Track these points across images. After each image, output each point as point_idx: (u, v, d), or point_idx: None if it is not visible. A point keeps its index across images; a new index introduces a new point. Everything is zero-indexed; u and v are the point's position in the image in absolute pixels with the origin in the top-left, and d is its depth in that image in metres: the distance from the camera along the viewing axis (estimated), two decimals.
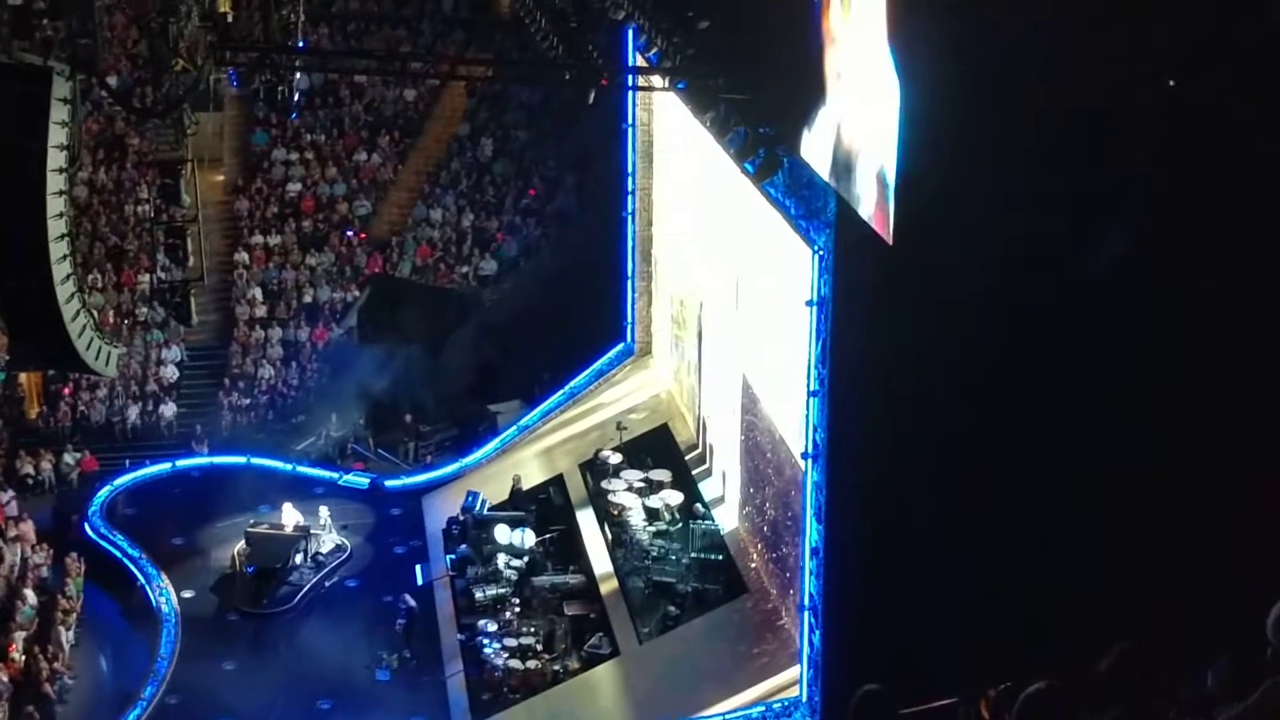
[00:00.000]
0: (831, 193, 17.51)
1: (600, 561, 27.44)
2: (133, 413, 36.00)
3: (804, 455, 20.28)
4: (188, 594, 28.69)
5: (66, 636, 27.23)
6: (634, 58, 27.91)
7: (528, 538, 28.50)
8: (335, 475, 33.21)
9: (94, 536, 30.41)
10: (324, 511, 30.29)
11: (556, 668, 25.51)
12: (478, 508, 29.87)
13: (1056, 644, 13.97)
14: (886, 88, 14.32)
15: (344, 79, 42.12)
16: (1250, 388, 13.90)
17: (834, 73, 15.90)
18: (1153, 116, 13.11)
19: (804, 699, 20.83)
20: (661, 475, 28.80)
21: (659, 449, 30.16)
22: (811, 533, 20.02)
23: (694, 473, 28.95)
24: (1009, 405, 16.26)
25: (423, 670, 26.52)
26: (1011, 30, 13.76)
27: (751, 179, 20.10)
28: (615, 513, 28.05)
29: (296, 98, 25.61)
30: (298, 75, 25.26)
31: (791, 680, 22.13)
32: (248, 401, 36.75)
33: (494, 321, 37.12)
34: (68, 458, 34.14)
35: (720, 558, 26.30)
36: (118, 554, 29.75)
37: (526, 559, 28.12)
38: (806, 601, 20.41)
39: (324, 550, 29.69)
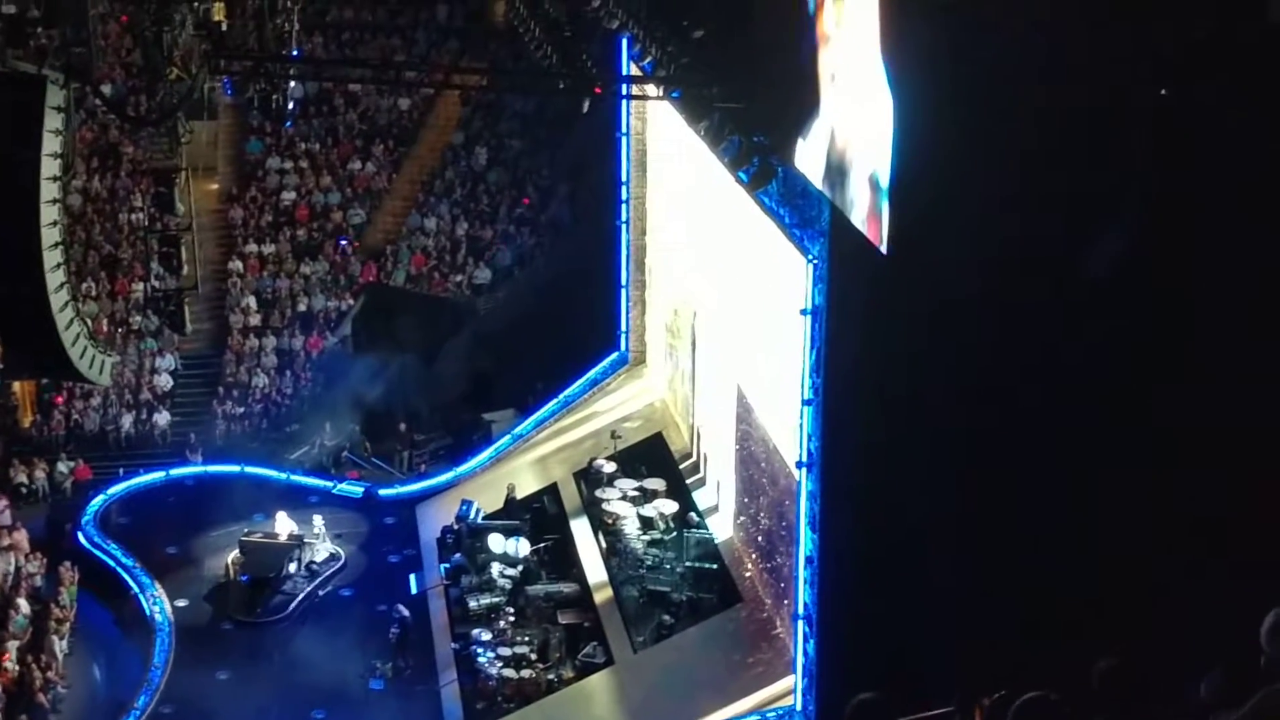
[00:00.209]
0: (826, 202, 17.53)
1: (594, 570, 27.42)
2: (126, 421, 35.95)
3: (798, 464, 20.29)
4: (181, 603, 28.64)
5: (60, 645, 27.18)
6: (628, 67, 27.92)
7: (522, 546, 28.48)
8: (329, 484, 33.17)
9: (88, 545, 30.36)
10: (318, 520, 30.26)
11: (551, 677, 25.49)
12: (472, 516, 29.85)
13: (1052, 652, 13.96)
14: (879, 93, 14.34)
15: (338, 88, 42.09)
16: (1245, 391, 13.91)
17: (828, 75, 15.92)
18: (1146, 121, 13.12)
19: (799, 708, 20.83)
20: (656, 484, 28.80)
21: (653, 458, 30.16)
22: (806, 541, 20.03)
23: (688, 482, 28.95)
24: (1003, 413, 16.27)
25: (417, 679, 26.48)
26: (1003, 37, 13.78)
27: (745, 188, 20.13)
28: (609, 521, 28.05)
29: (291, 106, 25.61)
30: (292, 84, 25.25)
31: (786, 690, 22.14)
32: (242, 410, 36.70)
33: (488, 330, 37.10)
34: (61, 466, 34.08)
35: (714, 567, 26.30)
36: (111, 563, 29.70)
37: (521, 568, 28.10)
38: (801, 610, 20.41)
39: (318, 559, 29.65)
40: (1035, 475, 16.15)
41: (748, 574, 25.83)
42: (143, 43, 22.49)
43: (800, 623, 20.44)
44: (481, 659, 25.74)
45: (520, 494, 30.56)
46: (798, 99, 16.94)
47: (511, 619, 26.76)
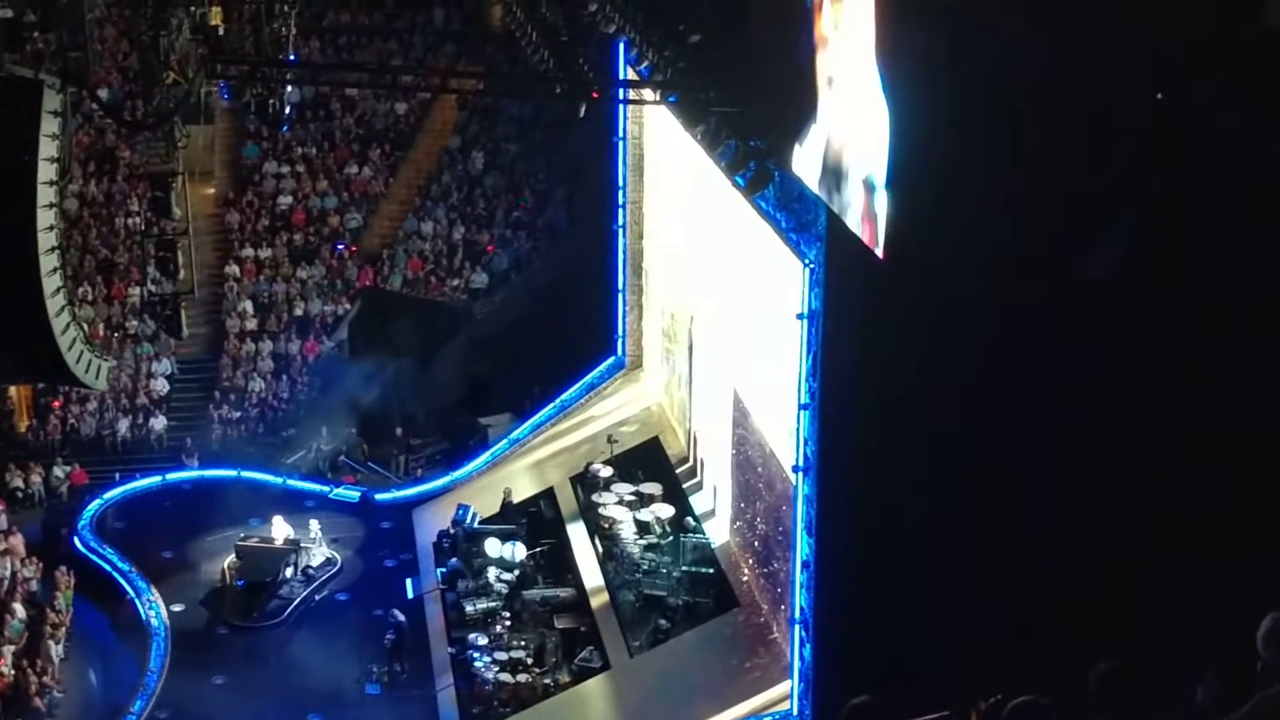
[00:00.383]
0: (822, 206, 17.54)
1: (591, 575, 27.42)
2: (123, 426, 35.93)
3: (795, 468, 20.30)
4: (177, 607, 28.64)
5: (56, 650, 27.17)
6: (625, 71, 27.95)
7: (518, 551, 28.48)
8: (325, 488, 33.18)
9: (84, 550, 30.36)
10: (314, 525, 30.27)
11: (547, 681, 25.49)
12: (468, 521, 29.85)
13: (1049, 656, 13.97)
14: (875, 97, 14.35)
15: (335, 92, 42.08)
16: (1244, 394, 13.90)
17: (825, 79, 15.92)
18: (1143, 124, 13.12)
19: (795, 713, 20.83)
20: (652, 489, 28.81)
21: (650, 462, 30.16)
22: (802, 546, 20.03)
23: (685, 486, 28.95)
24: (1000, 416, 16.26)
25: (413, 684, 26.50)
26: (999, 40, 13.78)
27: (742, 192, 20.12)
28: (606, 526, 28.05)
29: (287, 111, 25.55)
30: (289, 88, 25.21)
31: (783, 695, 22.14)
32: (238, 414, 36.69)
33: (485, 334, 37.09)
34: (57, 471, 34.06)
35: (711, 571, 26.30)
36: (107, 567, 29.70)
37: (517, 572, 28.11)
38: (797, 615, 20.41)
39: (314, 564, 29.65)
40: (1032, 478, 16.15)
41: (744, 579, 25.82)
42: (139, 47, 22.50)
43: (797, 627, 20.44)
44: (478, 663, 25.73)
45: (517, 498, 30.56)
46: (794, 103, 16.94)
47: (508, 623, 26.77)
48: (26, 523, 31.48)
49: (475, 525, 29.80)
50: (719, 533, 27.20)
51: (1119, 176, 14.02)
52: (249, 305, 38.80)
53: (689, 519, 27.65)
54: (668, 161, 30.27)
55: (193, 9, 22.04)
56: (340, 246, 40.14)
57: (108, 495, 32.51)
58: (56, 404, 35.96)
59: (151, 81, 21.82)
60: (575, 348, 33.88)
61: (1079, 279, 14.58)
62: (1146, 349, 14.76)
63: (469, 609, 27.21)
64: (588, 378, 33.36)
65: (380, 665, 26.61)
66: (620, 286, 32.96)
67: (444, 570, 28.91)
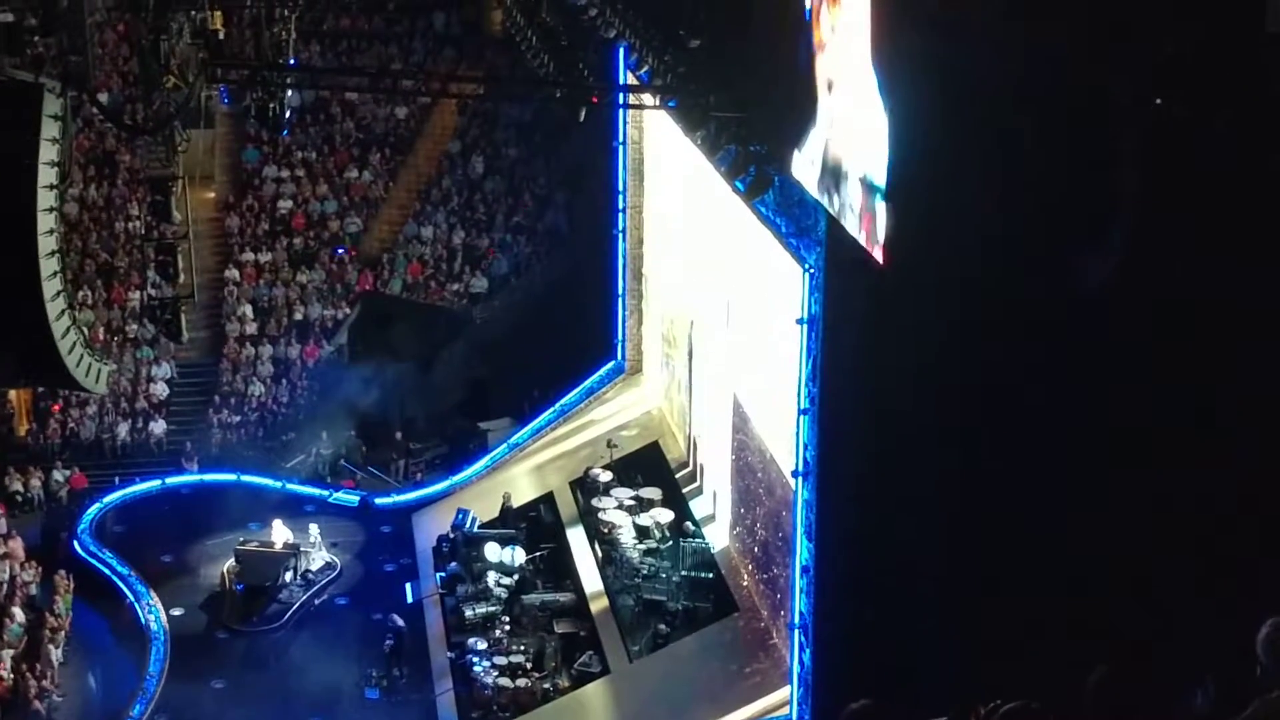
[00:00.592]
0: (822, 211, 17.54)
1: (590, 579, 27.42)
2: (122, 430, 35.91)
3: (794, 473, 20.28)
4: (177, 612, 28.65)
5: (55, 654, 27.15)
6: (625, 76, 27.96)
7: (518, 555, 28.49)
8: (325, 493, 33.18)
9: (83, 554, 30.36)
10: (314, 529, 30.29)
11: (546, 686, 25.49)
12: (468, 525, 29.86)
13: (1048, 661, 13.96)
14: (874, 101, 14.36)
15: (335, 96, 42.09)
16: (1244, 400, 13.90)
17: (824, 82, 15.92)
18: (1142, 129, 13.12)
19: (794, 717, 20.80)
20: (652, 493, 28.81)
21: (649, 467, 30.16)
22: (802, 551, 20.02)
23: (684, 491, 28.95)
24: (999, 422, 16.26)
25: (412, 689, 26.51)
26: (996, 44, 13.78)
27: (742, 197, 20.13)
28: (605, 530, 28.05)
29: (288, 115, 25.59)
30: (289, 92, 25.26)
31: (783, 700, 22.11)
32: (238, 419, 36.66)
33: (484, 339, 37.09)
34: (57, 475, 34.03)
35: (710, 576, 26.29)
36: (107, 571, 29.70)
37: (516, 577, 28.11)
38: (797, 620, 20.39)
39: (314, 568, 29.67)
40: (1032, 483, 16.14)
41: (744, 585, 25.82)
42: (140, 51, 22.50)
43: (796, 632, 20.42)
44: (477, 668, 25.73)
45: (516, 503, 30.57)
46: (794, 108, 16.95)
47: (507, 628, 26.77)
48: (26, 526, 31.46)
49: (475, 530, 29.81)
50: (719, 538, 27.19)
51: (1117, 181, 14.01)
52: (249, 309, 38.79)
53: (688, 524, 27.66)
54: (668, 166, 30.28)
55: (193, 13, 22.06)
56: (341, 251, 40.14)
57: (107, 499, 32.52)
58: (56, 408, 35.94)
59: (152, 86, 21.82)
60: (575, 352, 33.89)
61: (1077, 283, 14.57)
62: (1147, 353, 14.75)
63: (468, 613, 27.21)
64: (587, 382, 33.38)
65: (379, 670, 26.61)
66: (620, 291, 32.97)
67: (443, 575, 28.91)
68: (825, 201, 16.72)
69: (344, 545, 30.93)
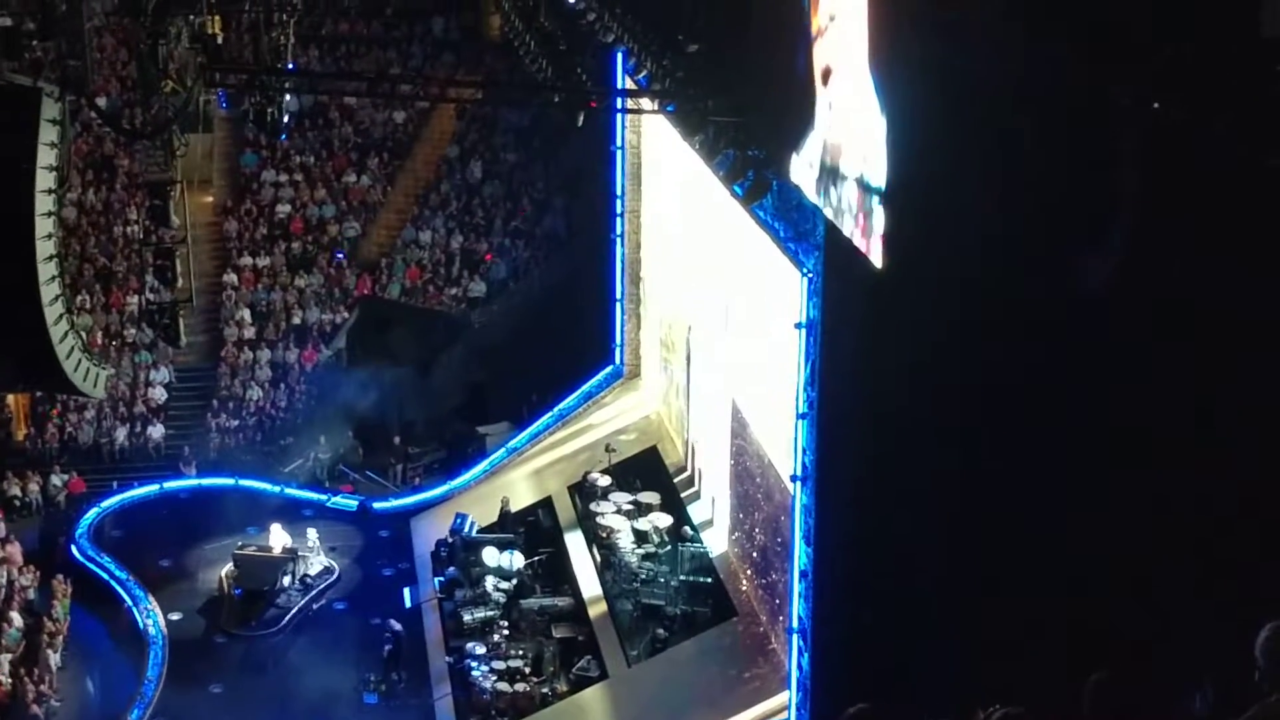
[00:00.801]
0: (820, 215, 17.54)
1: (589, 584, 27.41)
2: (120, 434, 35.90)
3: (793, 478, 20.29)
4: (175, 616, 28.63)
5: (53, 659, 27.14)
6: (623, 80, 27.97)
7: (516, 560, 28.48)
8: (323, 497, 33.17)
9: (81, 558, 30.35)
10: (312, 533, 30.27)
11: (545, 690, 25.49)
12: (466, 530, 29.85)
13: (1046, 666, 13.96)
14: (871, 103, 14.37)
15: (333, 101, 42.10)
16: (1243, 407, 13.89)
17: (821, 70, 15.89)
18: (1139, 132, 13.12)
19: None
20: (650, 498, 28.81)
21: (648, 471, 30.16)
22: (800, 555, 20.02)
23: (683, 495, 28.95)
24: (998, 426, 16.25)
25: (410, 693, 26.50)
26: (995, 47, 13.78)
27: (740, 201, 20.14)
28: (604, 535, 28.04)
29: (286, 119, 25.61)
30: (287, 97, 25.28)
31: (782, 705, 22.09)
32: (236, 423, 36.65)
33: (483, 343, 37.09)
34: (55, 479, 34.01)
35: (709, 580, 26.29)
36: (105, 576, 29.70)
37: (515, 581, 28.10)
38: (795, 624, 20.39)
39: (312, 572, 29.65)
40: (1031, 488, 16.13)
41: (743, 590, 25.81)
42: (138, 56, 22.53)
43: (794, 636, 20.42)
44: (475, 673, 25.72)
45: (515, 507, 30.57)
46: (792, 112, 16.96)
47: (506, 633, 26.76)
48: (24, 531, 31.45)
49: (473, 534, 29.81)
50: (717, 542, 27.19)
51: (1115, 183, 14.01)
52: (247, 314, 38.78)
53: (687, 528, 27.65)
54: (666, 171, 30.29)
55: (191, 18, 22.06)
56: (341, 255, 40.13)
57: (105, 503, 32.51)
58: (54, 412, 35.92)
59: (150, 90, 21.85)
60: (573, 356, 33.90)
61: (1076, 285, 14.56)
62: (1147, 356, 14.74)
63: (467, 618, 27.21)
64: (586, 386, 33.39)
65: (378, 674, 26.60)
66: (618, 295, 32.98)
67: (442, 579, 28.91)
68: (823, 205, 16.73)
69: (342, 550, 30.92)
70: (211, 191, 41.15)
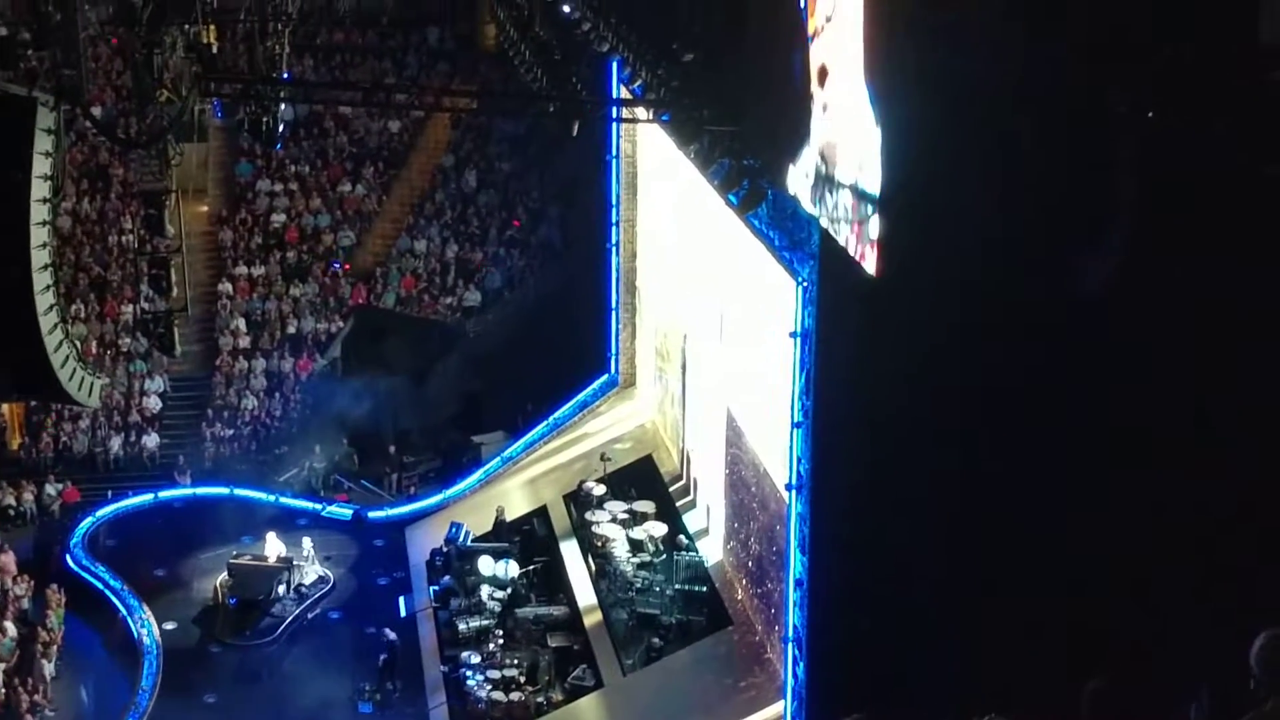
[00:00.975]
0: (815, 224, 17.55)
1: (584, 593, 27.39)
2: (115, 443, 35.87)
3: (788, 486, 20.28)
4: (169, 626, 28.58)
5: (47, 669, 27.10)
6: (618, 90, 27.99)
7: (511, 569, 28.46)
8: (318, 506, 33.14)
9: (75, 568, 30.31)
10: (307, 543, 30.24)
11: (540, 700, 25.46)
12: (461, 539, 29.82)
13: (1042, 674, 13.97)
14: (866, 110, 14.38)
15: (328, 110, 42.13)
16: (1243, 418, 13.89)
17: (817, 70, 15.87)
18: (1136, 139, 13.14)
19: None
20: (645, 507, 28.79)
21: (643, 480, 30.15)
22: (795, 564, 20.01)
23: (678, 505, 28.93)
24: (994, 433, 16.26)
25: (405, 702, 26.46)
26: (991, 54, 13.80)
27: (735, 210, 20.15)
28: (599, 544, 28.02)
29: (281, 129, 25.57)
30: (282, 106, 25.24)
31: (778, 715, 22.05)
32: (230, 432, 36.63)
33: (478, 352, 37.09)
34: (49, 489, 33.97)
35: (704, 589, 26.27)
36: (99, 585, 29.65)
37: (510, 590, 28.07)
38: (790, 633, 20.38)
39: (307, 582, 29.62)
40: (1026, 496, 16.14)
41: (738, 598, 25.79)
42: (133, 65, 22.55)
43: (790, 645, 20.41)
44: (470, 682, 25.69)
45: (510, 516, 30.55)
46: (787, 121, 16.97)
47: (501, 642, 26.74)
48: (18, 541, 31.42)
49: (468, 543, 29.77)
50: (712, 551, 27.18)
51: (1112, 188, 14.03)
52: (242, 323, 38.77)
53: (682, 537, 27.63)
54: (661, 180, 30.30)
55: (187, 27, 22.07)
56: (335, 266, 40.12)
57: (100, 513, 32.48)
58: (49, 421, 35.88)
59: (145, 99, 21.86)
60: (568, 366, 33.89)
61: (1073, 291, 14.57)
62: (1144, 364, 14.75)
63: (462, 627, 27.17)
64: (581, 396, 33.37)
65: (373, 684, 26.56)
66: (613, 305, 32.98)
67: (437, 588, 28.89)
68: (818, 213, 16.73)
69: (337, 559, 30.90)
70: (206, 201, 41.16)
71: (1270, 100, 11.28)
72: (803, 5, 16.05)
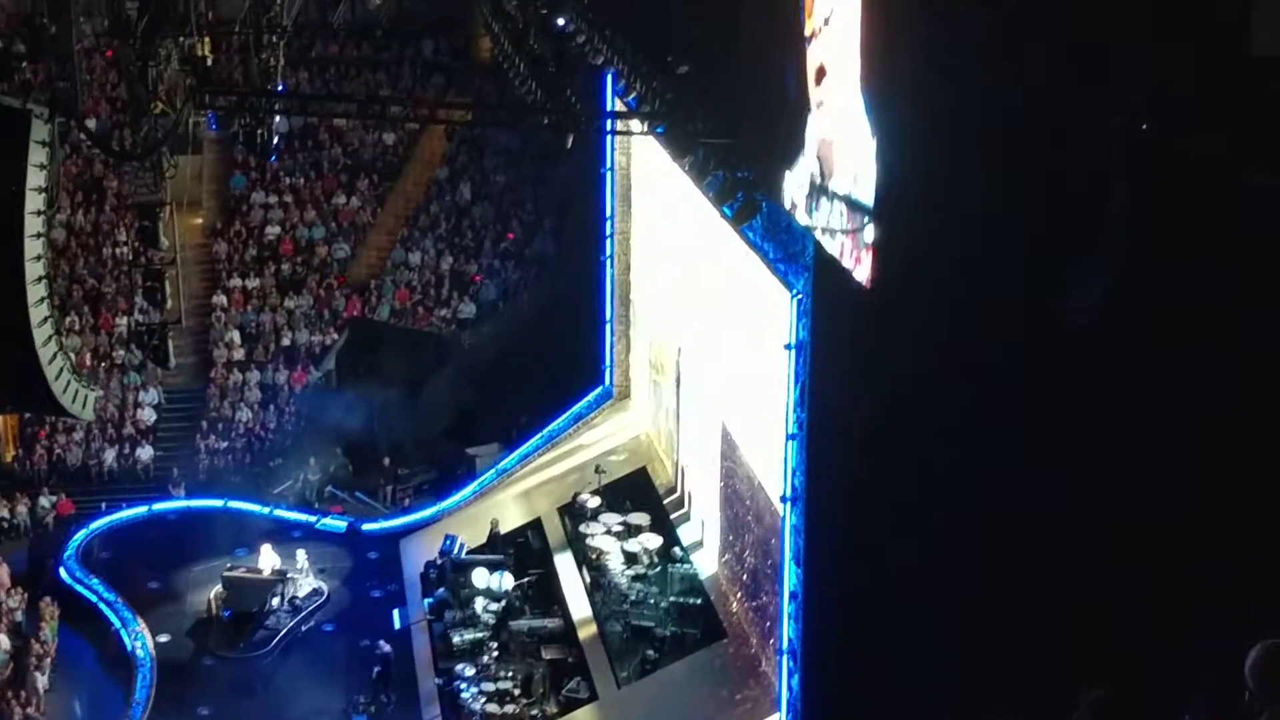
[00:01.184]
0: (810, 236, 17.56)
1: (579, 605, 27.36)
2: (109, 455, 35.85)
3: (783, 499, 20.27)
4: (163, 638, 28.53)
5: (41, 681, 27.04)
6: (613, 102, 28.01)
7: (506, 581, 28.42)
8: (313, 519, 33.11)
9: (69, 580, 30.26)
10: (301, 555, 30.21)
11: (534, 712, 25.41)
12: (456, 551, 29.80)
13: (1037, 686, 13.97)
14: (862, 122, 14.39)
15: (323, 122, 42.13)
16: (1245, 429, 13.90)
17: (814, 70, 15.86)
18: (1130, 152, 13.16)
19: None
20: (640, 519, 28.78)
21: (637, 492, 30.14)
22: (790, 576, 20.00)
23: (673, 517, 28.91)
24: (989, 447, 16.25)
25: (399, 715, 26.41)
26: (986, 70, 13.82)
27: (730, 222, 20.16)
28: (593, 556, 28.01)
29: (275, 141, 25.61)
30: (277, 118, 25.27)
31: None
32: (225, 444, 36.62)
33: (472, 365, 37.10)
34: (44, 501, 33.95)
35: (699, 602, 26.25)
36: (93, 598, 29.61)
37: (504, 603, 28.04)
38: (785, 645, 20.37)
39: (301, 594, 29.58)
40: (1021, 509, 16.14)
41: (733, 611, 25.77)
42: (128, 77, 22.51)
43: (784, 657, 20.39)
44: (465, 694, 25.65)
45: (504, 529, 30.53)
46: (782, 134, 16.98)
47: (495, 654, 26.70)
48: (12, 553, 31.40)
49: (462, 555, 29.75)
50: (707, 564, 27.16)
51: (1105, 205, 14.04)
52: (236, 335, 38.77)
53: (677, 549, 27.62)
54: (655, 192, 30.33)
55: (181, 39, 22.07)
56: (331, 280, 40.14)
57: (94, 525, 32.43)
58: (43, 433, 35.87)
59: (140, 112, 21.84)
60: (563, 378, 33.89)
61: (1068, 305, 14.58)
62: (1141, 376, 14.76)
63: (456, 639, 27.14)
64: (575, 408, 33.36)
65: (367, 696, 26.51)
66: (608, 317, 32.99)
67: (431, 601, 28.85)
68: (812, 225, 16.74)
69: (331, 571, 30.86)
70: (201, 213, 41.17)
71: (1261, 110, 11.30)
72: (800, 6, 16.05)
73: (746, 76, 18.47)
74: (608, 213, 32.33)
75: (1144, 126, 12.08)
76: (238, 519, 32.56)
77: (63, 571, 30.53)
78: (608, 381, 33.48)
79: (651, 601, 26.45)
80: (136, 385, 37.27)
